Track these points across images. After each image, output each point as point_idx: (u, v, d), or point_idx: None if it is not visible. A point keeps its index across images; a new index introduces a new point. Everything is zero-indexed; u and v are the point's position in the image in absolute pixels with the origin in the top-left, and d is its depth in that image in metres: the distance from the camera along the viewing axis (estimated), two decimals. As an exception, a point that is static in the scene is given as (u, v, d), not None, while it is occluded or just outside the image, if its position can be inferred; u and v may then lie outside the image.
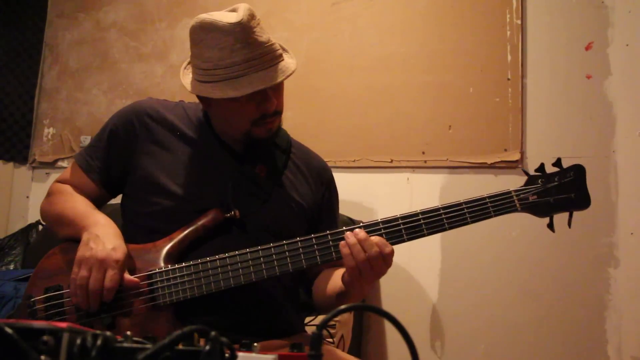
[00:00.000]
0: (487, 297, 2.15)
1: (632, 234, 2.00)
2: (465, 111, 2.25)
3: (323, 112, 2.47)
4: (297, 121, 2.47)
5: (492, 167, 2.18)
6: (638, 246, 1.99)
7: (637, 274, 1.98)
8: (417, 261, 2.23)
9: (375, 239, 1.09)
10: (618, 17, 2.10)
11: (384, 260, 1.09)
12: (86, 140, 2.91)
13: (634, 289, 1.97)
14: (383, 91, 2.38)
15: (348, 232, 1.10)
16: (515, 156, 2.15)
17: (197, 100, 1.38)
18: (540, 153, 2.14)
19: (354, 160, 2.39)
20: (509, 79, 2.20)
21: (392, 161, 2.33)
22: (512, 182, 2.16)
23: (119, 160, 1.28)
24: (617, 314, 1.98)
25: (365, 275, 1.09)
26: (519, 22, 2.21)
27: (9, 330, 0.47)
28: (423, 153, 2.29)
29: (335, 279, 1.25)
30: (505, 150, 2.17)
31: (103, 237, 1.13)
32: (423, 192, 2.27)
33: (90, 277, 1.09)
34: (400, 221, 1.13)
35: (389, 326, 2.23)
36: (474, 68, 2.25)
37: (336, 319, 1.93)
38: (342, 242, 1.10)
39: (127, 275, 1.13)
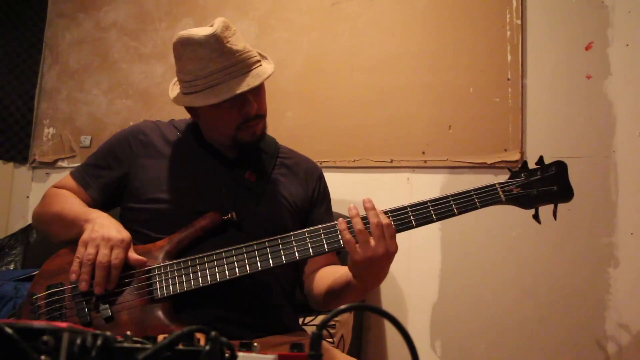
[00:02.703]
0: (487, 297, 2.15)
1: (632, 234, 2.00)
2: (465, 111, 2.25)
3: (323, 112, 2.47)
4: (297, 121, 2.47)
5: (492, 167, 2.18)
6: (638, 246, 1.99)
7: (637, 274, 1.98)
8: (417, 261, 2.23)
9: (375, 209, 1.13)
10: (618, 17, 2.10)
11: (384, 234, 1.09)
12: (86, 140, 2.91)
13: (634, 289, 1.97)
14: (383, 91, 2.38)
15: (350, 206, 1.14)
16: (515, 156, 2.15)
17: (186, 117, 1.45)
18: (540, 153, 2.11)
19: (354, 160, 2.39)
20: (509, 79, 2.20)
21: (392, 161, 2.34)
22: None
23: (116, 178, 1.34)
24: (617, 314, 1.98)
25: (364, 249, 1.08)
26: (519, 22, 2.21)
27: (9, 330, 0.47)
28: (423, 153, 2.29)
29: (336, 273, 1.27)
30: (505, 150, 2.17)
31: (107, 224, 1.19)
32: (423, 192, 2.27)
33: (97, 254, 1.13)
34: (390, 214, 1.17)
35: (389, 326, 2.23)
36: (474, 68, 2.26)
37: (336, 319, 1.93)
38: (340, 219, 1.14)
39: (132, 254, 1.17)
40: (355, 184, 2.37)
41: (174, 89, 1.34)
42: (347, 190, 2.30)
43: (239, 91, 1.20)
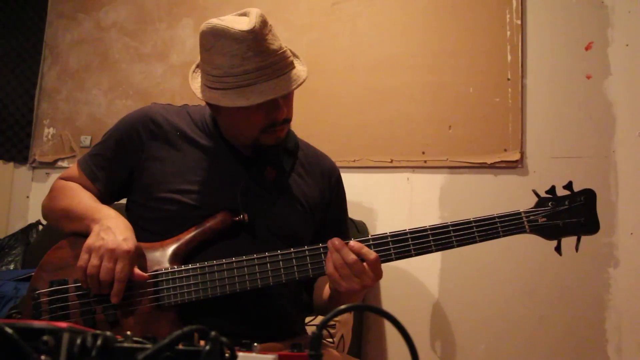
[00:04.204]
0: (487, 297, 2.15)
1: (632, 234, 2.00)
2: (465, 111, 2.25)
3: (323, 112, 2.47)
4: (296, 121, 2.45)
5: (492, 167, 2.18)
6: (638, 246, 1.99)
7: (637, 274, 1.98)
8: (417, 261, 2.21)
9: (356, 245, 1.09)
10: (618, 17, 2.10)
11: (369, 267, 1.08)
12: (86, 140, 2.91)
13: (634, 289, 1.98)
14: (383, 91, 2.39)
15: (329, 240, 1.10)
16: (515, 156, 2.15)
17: (201, 103, 1.38)
18: (540, 153, 2.14)
19: (354, 160, 2.39)
20: (509, 79, 2.20)
21: (392, 161, 2.34)
22: (512, 182, 2.18)
23: (124, 170, 1.28)
24: (617, 314, 1.98)
25: (347, 282, 1.07)
26: (519, 22, 2.21)
27: (9, 330, 0.47)
28: (423, 153, 2.29)
29: (324, 286, 1.26)
30: (505, 150, 2.17)
31: (114, 228, 1.13)
32: (423, 192, 2.27)
33: (101, 266, 1.09)
34: (409, 236, 1.13)
35: (389, 326, 2.23)
36: (474, 68, 2.26)
37: (336, 319, 1.93)
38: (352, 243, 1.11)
39: (135, 269, 1.13)
40: (355, 184, 2.37)
41: (195, 78, 1.25)
42: (347, 190, 2.30)
43: (272, 96, 1.12)
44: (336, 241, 1.09)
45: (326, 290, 1.26)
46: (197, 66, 1.27)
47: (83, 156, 1.34)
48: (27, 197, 3.03)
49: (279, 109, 1.18)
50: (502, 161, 2.17)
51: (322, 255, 1.13)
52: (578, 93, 2.13)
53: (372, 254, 1.08)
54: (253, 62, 1.11)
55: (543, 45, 2.20)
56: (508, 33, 2.22)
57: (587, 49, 2.13)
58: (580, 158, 2.07)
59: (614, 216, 2.02)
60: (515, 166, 2.15)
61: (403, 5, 2.42)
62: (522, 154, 2.15)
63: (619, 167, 2.03)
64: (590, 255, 2.03)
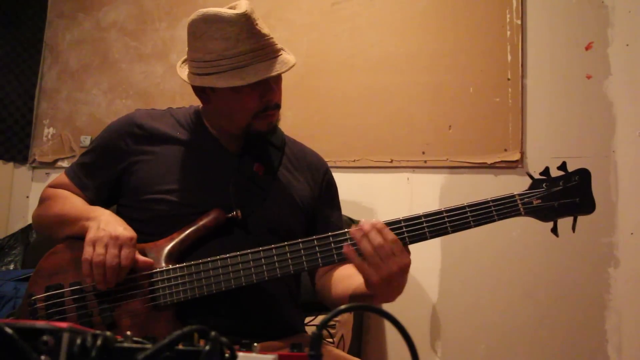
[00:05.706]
0: (487, 297, 2.15)
1: (632, 234, 2.00)
2: (465, 111, 2.25)
3: (323, 112, 2.47)
4: (297, 121, 2.47)
5: (492, 167, 2.18)
6: (638, 246, 1.99)
7: (637, 274, 1.98)
8: (417, 261, 2.21)
9: (378, 225, 1.06)
10: (618, 17, 2.10)
11: (392, 248, 1.04)
12: (86, 140, 2.91)
13: (634, 289, 1.98)
14: (383, 91, 2.39)
15: (353, 229, 1.07)
16: (515, 156, 2.15)
17: (186, 105, 1.40)
18: (540, 153, 2.14)
19: (354, 160, 2.39)
20: (509, 79, 2.20)
21: (392, 161, 2.34)
22: (512, 182, 2.18)
23: (113, 176, 1.29)
24: (617, 314, 1.98)
25: (377, 270, 1.05)
26: (519, 22, 2.21)
27: (9, 330, 0.47)
28: (423, 153, 2.29)
29: (353, 277, 1.23)
30: (505, 150, 2.17)
31: (112, 222, 1.15)
32: (423, 192, 2.27)
33: (106, 254, 1.09)
34: (403, 224, 1.11)
35: (389, 326, 2.23)
36: (474, 68, 2.26)
37: (336, 319, 1.93)
38: (345, 245, 1.08)
39: (140, 256, 1.14)
40: (355, 184, 2.37)
41: (182, 71, 1.28)
42: (347, 190, 2.29)
43: (267, 75, 1.16)
44: (365, 225, 1.06)
45: (346, 287, 1.22)
46: (184, 61, 1.30)
47: (70, 166, 1.36)
48: (27, 197, 3.03)
49: (272, 91, 1.21)
50: (502, 161, 2.17)
51: (316, 247, 1.12)
52: (578, 93, 2.13)
53: (390, 233, 1.05)
54: (247, 43, 1.15)
55: (543, 45, 2.20)
56: (508, 33, 2.22)
57: (587, 49, 2.13)
58: (580, 158, 2.07)
59: (614, 216, 2.02)
60: (515, 166, 2.15)
61: (403, 5, 2.42)
62: (522, 154, 2.15)
63: (619, 167, 2.04)
64: (590, 255, 2.03)
